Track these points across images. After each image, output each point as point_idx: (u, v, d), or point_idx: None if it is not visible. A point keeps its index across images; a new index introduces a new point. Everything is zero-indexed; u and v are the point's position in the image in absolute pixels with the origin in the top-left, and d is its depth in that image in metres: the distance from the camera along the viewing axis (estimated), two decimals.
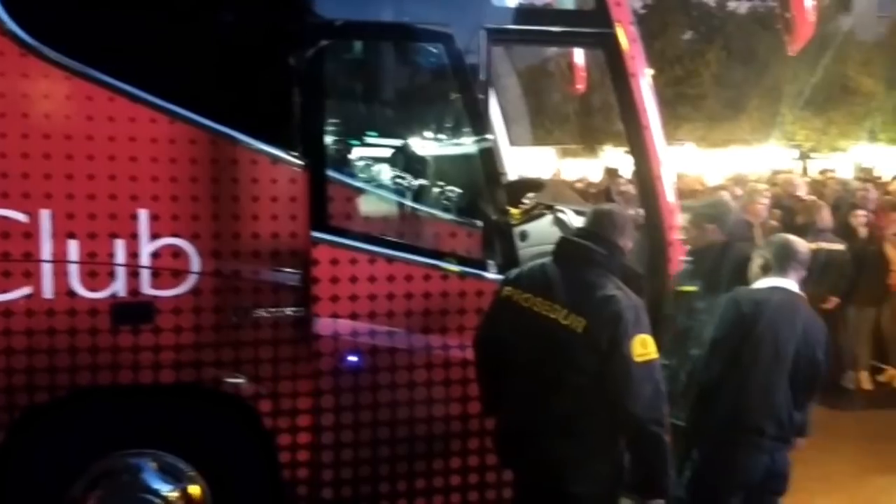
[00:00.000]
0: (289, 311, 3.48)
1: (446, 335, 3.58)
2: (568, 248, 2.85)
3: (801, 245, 3.36)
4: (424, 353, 3.56)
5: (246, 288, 3.45)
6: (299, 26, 3.45)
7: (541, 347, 2.72)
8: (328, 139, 3.61)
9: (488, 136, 3.76)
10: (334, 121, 3.67)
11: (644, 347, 2.59)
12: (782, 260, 3.28)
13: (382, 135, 3.98)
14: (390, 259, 3.53)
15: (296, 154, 3.46)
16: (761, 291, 3.29)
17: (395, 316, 3.53)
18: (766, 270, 3.31)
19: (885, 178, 14.74)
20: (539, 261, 2.88)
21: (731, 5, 24.66)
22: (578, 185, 10.68)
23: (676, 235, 3.81)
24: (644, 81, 3.81)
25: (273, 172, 3.46)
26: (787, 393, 3.17)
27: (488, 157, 3.75)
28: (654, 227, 3.80)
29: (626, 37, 3.78)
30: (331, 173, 3.53)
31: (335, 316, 3.47)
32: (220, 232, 3.43)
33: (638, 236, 3.98)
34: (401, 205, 3.81)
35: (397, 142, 3.96)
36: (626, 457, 2.76)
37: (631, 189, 7.57)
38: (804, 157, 24.06)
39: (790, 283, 3.27)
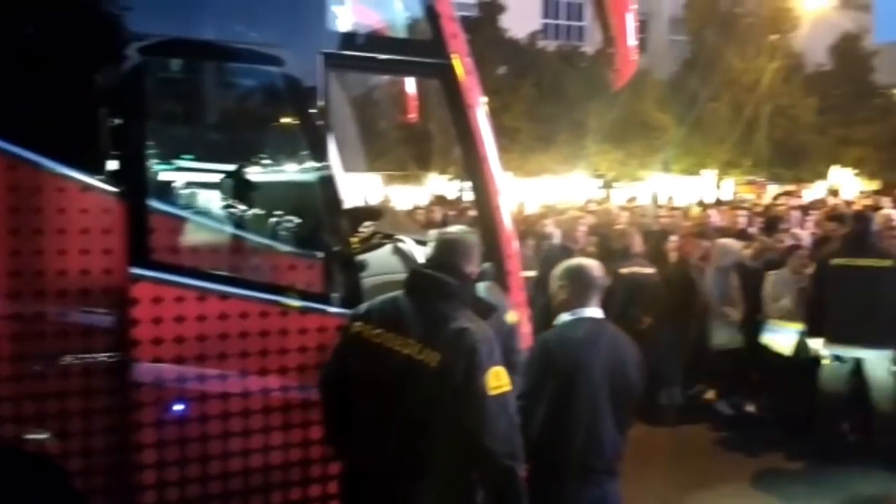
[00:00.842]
0: (102, 356, 3.10)
1: (286, 376, 3.35)
2: (419, 280, 2.74)
3: (595, 269, 3.26)
4: (262, 396, 3.30)
5: (51, 332, 3.03)
6: (111, 41, 3.12)
7: (393, 384, 2.58)
8: (151, 165, 3.28)
9: (326, 163, 3.61)
10: (157, 145, 3.34)
11: (498, 380, 2.53)
12: (582, 288, 3.19)
13: (213, 161, 3.70)
14: (223, 295, 3.25)
15: (110, 181, 3.10)
16: (566, 328, 3.21)
17: (228, 358, 3.25)
18: (568, 301, 3.21)
19: (680, 205, 16.11)
20: (390, 294, 2.75)
21: (541, 44, 26.19)
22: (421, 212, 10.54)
23: (516, 264, 3.83)
24: (481, 112, 3.84)
25: (83, 201, 3.07)
26: (612, 424, 3.11)
27: (326, 183, 3.60)
28: (493, 257, 3.80)
29: (462, 68, 3.79)
30: (153, 202, 3.21)
31: (158, 360, 3.13)
32: (19, 269, 2.98)
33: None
34: (234, 236, 3.54)
35: (229, 168, 3.68)
36: (480, 494, 2.68)
37: (460, 216, 7.73)
38: (608, 186, 25.93)
39: (593, 311, 3.19)
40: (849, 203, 14.07)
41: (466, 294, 2.69)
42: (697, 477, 5.61)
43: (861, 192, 25.10)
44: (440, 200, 11.31)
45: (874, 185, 30.41)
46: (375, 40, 4.06)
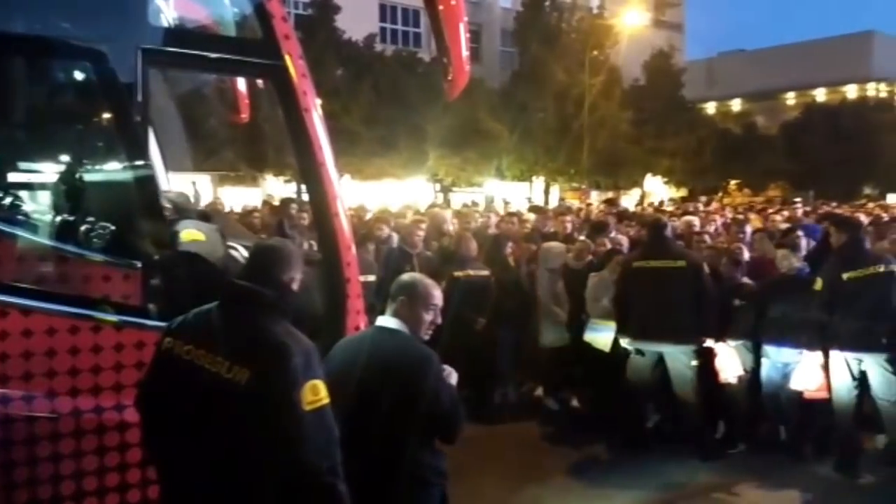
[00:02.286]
0: None
1: (100, 396, 3.10)
2: (233, 291, 2.57)
3: (430, 286, 3.12)
4: (72, 419, 3.03)
5: None
6: None
7: (203, 405, 2.41)
8: None
9: (145, 163, 3.39)
10: None
11: (315, 394, 2.39)
12: (393, 298, 3.08)
13: (22, 162, 3.36)
14: (25, 310, 2.95)
15: None
16: (356, 337, 3.15)
17: (33, 378, 2.96)
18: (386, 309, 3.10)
19: (515, 210, 16.68)
20: (206, 306, 2.58)
21: (378, 47, 26.29)
22: (257, 215, 10.10)
23: (354, 271, 3.78)
24: (317, 116, 3.76)
25: None
26: (417, 438, 2.91)
27: (146, 186, 3.37)
28: (331, 263, 3.74)
29: (296, 71, 3.69)
30: None
31: None
32: None
33: (315, 273, 3.91)
34: (39, 244, 3.22)
35: (39, 170, 3.36)
36: None
37: (305, 221, 7.55)
38: (446, 191, 26.47)
39: (386, 320, 3.06)
40: (658, 208, 15.25)
41: (283, 304, 2.55)
42: (527, 472, 5.83)
43: (671, 199, 27.34)
44: (285, 204, 10.96)
45: (682, 192, 33.29)
46: (201, 38, 3.88)
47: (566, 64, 26.75)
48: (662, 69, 31.72)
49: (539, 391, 7.70)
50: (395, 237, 7.64)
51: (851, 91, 46.52)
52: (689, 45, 47.87)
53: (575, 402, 7.50)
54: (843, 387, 5.72)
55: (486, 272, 7.37)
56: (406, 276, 3.20)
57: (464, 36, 4.17)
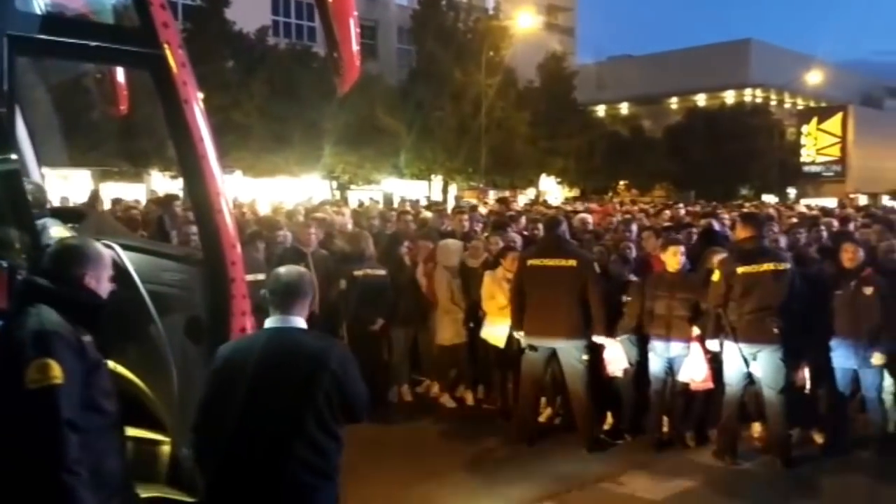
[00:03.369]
0: None
1: None
2: (27, 287, 2.70)
3: (290, 275, 3.06)
4: None
5: None
6: None
7: None
8: None
9: (11, 157, 3.15)
10: None
11: (41, 373, 2.39)
12: (283, 296, 2.99)
13: None
14: None
15: None
16: (249, 337, 3.09)
17: None
18: (272, 308, 3.01)
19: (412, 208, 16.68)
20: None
21: (271, 41, 25.71)
22: (135, 212, 9.57)
23: (239, 271, 3.65)
24: (198, 108, 3.60)
25: None
26: (313, 431, 2.83)
27: (11, 181, 3.13)
28: (214, 262, 3.60)
29: (175, 60, 3.53)
30: None
31: None
32: None
33: (197, 273, 3.76)
34: None
35: None
36: None
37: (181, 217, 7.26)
38: (343, 188, 26.20)
39: (293, 320, 2.98)
40: (550, 206, 15.61)
41: (64, 296, 2.62)
42: (420, 470, 5.83)
43: (566, 199, 28.12)
44: (169, 199, 10.54)
45: (574, 192, 34.32)
46: (74, 25, 3.65)
47: (463, 64, 27.01)
48: (555, 72, 32.58)
49: (435, 389, 7.71)
50: (289, 236, 7.47)
51: (730, 96, 49.33)
52: (580, 50, 49.34)
53: (471, 400, 7.56)
54: (734, 377, 6.00)
55: (382, 271, 7.32)
56: (291, 271, 3.10)
57: (354, 31, 4.09)
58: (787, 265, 6.00)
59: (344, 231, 8.59)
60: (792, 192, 44.01)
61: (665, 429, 6.43)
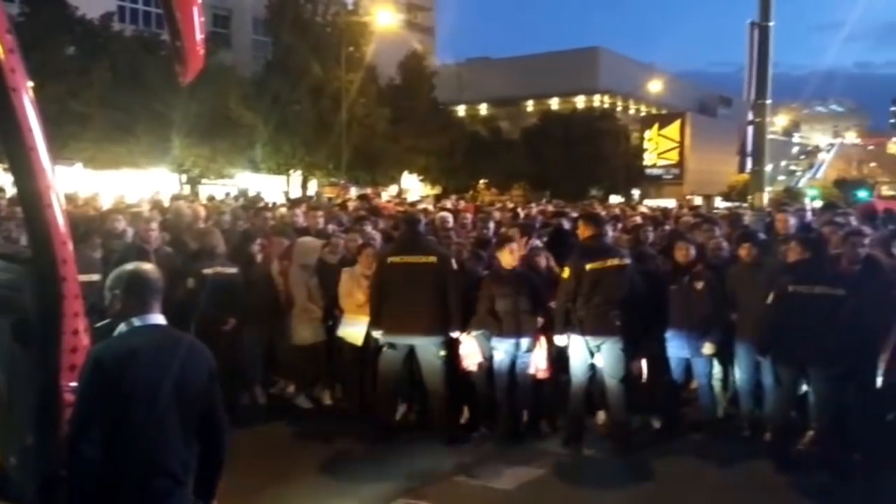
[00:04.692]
0: None
1: None
2: None
3: (153, 272, 3.07)
4: None
5: None
6: None
7: None
8: None
9: None
10: None
11: None
12: (141, 294, 2.96)
13: None
14: None
15: None
16: (123, 339, 2.94)
17: None
18: (125, 310, 2.96)
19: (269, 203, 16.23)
20: None
21: (117, 26, 24.26)
22: None
23: (71, 269, 3.40)
24: (27, 97, 3.31)
25: None
26: (180, 436, 2.89)
27: None
28: (43, 261, 3.32)
29: (3, 46, 3.23)
30: None
31: None
32: None
33: (26, 271, 3.47)
34: None
35: None
36: None
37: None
38: (194, 182, 25.10)
39: (156, 318, 2.99)
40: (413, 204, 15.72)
41: None
42: (275, 473, 5.70)
43: (427, 196, 28.38)
44: None
45: (436, 190, 34.74)
46: None
47: (322, 58, 26.63)
48: (416, 70, 32.84)
49: (290, 390, 7.55)
50: (130, 232, 7.06)
51: (581, 101, 51.76)
52: (439, 50, 50.01)
53: (328, 399, 7.47)
54: (580, 369, 6.28)
55: (234, 269, 7.08)
56: (147, 267, 3.10)
57: (198, 18, 3.92)
58: (628, 261, 6.37)
59: (192, 227, 8.22)
60: (636, 192, 46.79)
61: (524, 420, 6.63)
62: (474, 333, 6.49)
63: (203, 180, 25.36)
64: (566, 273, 6.27)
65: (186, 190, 23.00)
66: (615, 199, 37.52)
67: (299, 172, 28.31)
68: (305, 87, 26.27)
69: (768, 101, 9.53)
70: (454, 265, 6.57)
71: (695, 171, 52.43)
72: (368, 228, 8.25)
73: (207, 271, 6.82)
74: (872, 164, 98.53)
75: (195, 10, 3.75)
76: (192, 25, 3.76)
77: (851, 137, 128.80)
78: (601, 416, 6.72)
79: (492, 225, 8.49)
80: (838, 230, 6.47)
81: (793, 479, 5.67)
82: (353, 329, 6.92)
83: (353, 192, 24.75)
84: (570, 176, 38.00)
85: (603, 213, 12.31)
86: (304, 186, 28.66)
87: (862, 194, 19.36)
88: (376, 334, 6.51)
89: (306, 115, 26.27)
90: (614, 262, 6.29)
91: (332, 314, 7.25)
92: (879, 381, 5.76)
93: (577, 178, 38.35)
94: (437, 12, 49.88)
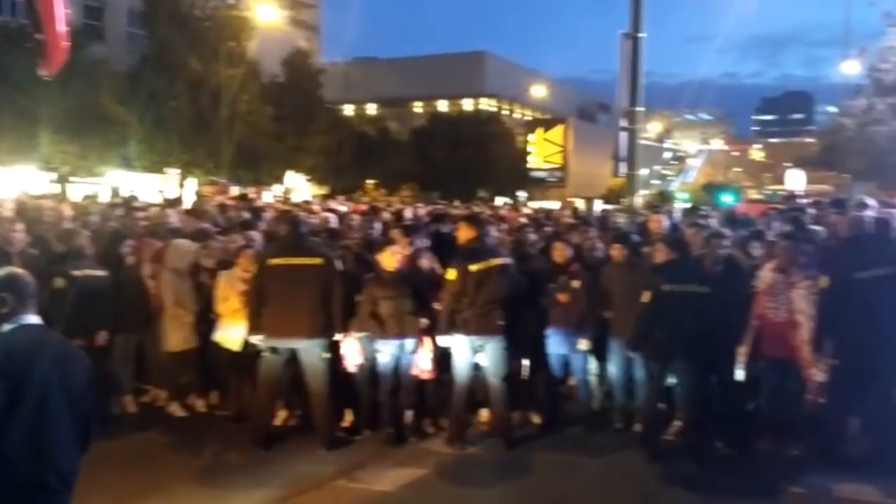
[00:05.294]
0: None
1: None
2: None
3: (27, 275, 3.22)
4: None
5: None
6: None
7: None
8: None
9: None
10: None
11: None
12: (18, 296, 3.09)
13: None
14: None
15: None
16: (8, 337, 3.03)
17: None
18: (11, 310, 3.07)
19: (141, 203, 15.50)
20: None
21: None
22: None
23: None
24: None
25: None
26: (68, 437, 3.02)
27: None
28: None
29: None
30: None
31: None
32: None
33: None
34: None
35: None
36: None
37: None
38: (63, 180, 23.65)
39: (34, 318, 3.12)
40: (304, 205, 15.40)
41: None
42: (147, 485, 5.46)
43: (315, 196, 27.97)
44: None
45: (324, 190, 34.31)
46: None
47: (200, 53, 25.69)
48: (301, 68, 32.30)
49: (162, 398, 7.23)
50: None
51: (468, 104, 52.51)
52: (326, 48, 49.43)
53: (202, 407, 7.21)
54: (463, 368, 6.34)
55: (102, 272, 6.72)
56: (17, 271, 3.25)
57: (61, 9, 3.73)
58: (508, 261, 6.51)
59: (57, 228, 7.74)
60: (522, 194, 47.94)
61: (408, 421, 6.63)
62: (356, 336, 6.45)
63: (72, 179, 23.94)
64: (452, 275, 6.31)
65: (56, 189, 21.64)
66: (502, 200, 38.27)
67: (177, 171, 27.21)
68: (183, 83, 25.27)
69: (640, 109, 9.99)
70: (339, 267, 6.50)
71: (577, 174, 54.22)
72: (251, 231, 8.03)
73: (76, 273, 6.45)
74: (737, 169, 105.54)
75: (57, 1, 3.56)
76: (54, 17, 3.58)
77: (718, 144, 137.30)
78: (484, 413, 6.82)
79: (377, 226, 8.44)
80: (701, 232, 6.83)
81: (661, 467, 5.94)
82: (231, 334, 6.73)
83: (235, 191, 24.04)
84: (459, 177, 38.47)
85: (489, 213, 12.58)
86: (181, 185, 27.57)
87: (727, 198, 20.62)
88: (256, 339, 6.34)
89: (184, 111, 25.28)
90: (497, 262, 6.40)
91: (206, 319, 7.02)
92: (739, 373, 6.19)
93: (465, 179, 38.86)
94: (323, 10, 49.26)
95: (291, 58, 32.51)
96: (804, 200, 13.26)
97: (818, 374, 5.82)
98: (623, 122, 10.10)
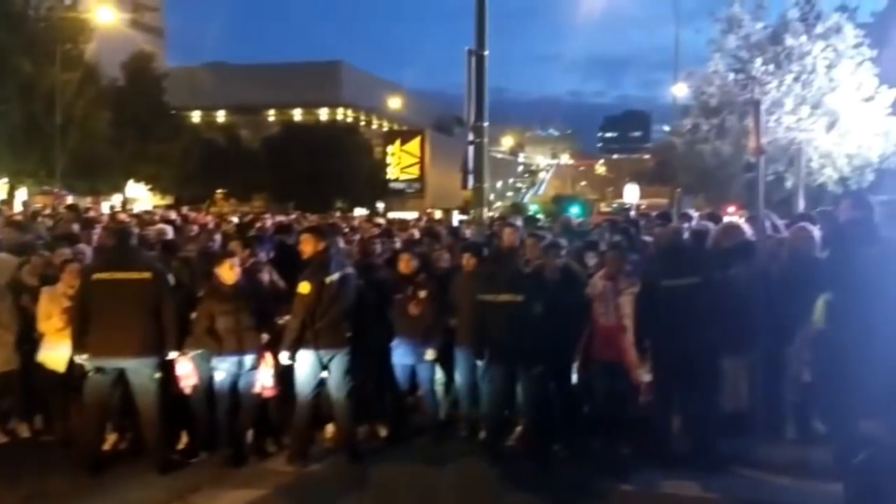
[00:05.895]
0: None
1: None
2: None
3: None
4: None
5: None
6: None
7: None
8: None
9: None
10: None
11: None
12: None
13: None
14: None
15: None
16: None
17: None
18: None
19: None
20: None
21: None
22: None
23: None
24: None
25: None
26: None
27: None
28: None
29: None
30: None
31: None
32: None
33: None
34: None
35: None
36: None
37: None
38: None
39: None
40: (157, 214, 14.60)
41: None
42: None
43: (157, 206, 26.66)
44: None
45: (167, 200, 32.82)
46: None
47: (33, 55, 23.96)
48: (143, 72, 30.80)
49: None
50: None
51: (324, 114, 52.03)
52: (173, 52, 47.42)
53: (25, 432, 6.67)
54: (307, 383, 6.22)
55: None
56: None
57: None
58: (350, 271, 6.45)
59: None
60: (381, 205, 48.05)
61: (248, 440, 6.41)
62: (191, 354, 6.18)
63: None
64: (306, 288, 6.17)
65: None
66: (360, 211, 38.13)
67: (5, 180, 25.14)
68: (13, 86, 23.43)
69: (486, 124, 10.27)
70: (171, 281, 6.21)
71: (435, 185, 55.06)
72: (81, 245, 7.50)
73: None
74: (583, 183, 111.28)
75: None
76: None
77: (566, 159, 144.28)
78: (329, 429, 6.72)
79: (218, 238, 8.13)
80: (539, 242, 7.09)
81: (502, 471, 6.10)
82: (55, 354, 6.29)
83: (70, 201, 22.51)
84: (315, 188, 37.95)
85: (344, 225, 12.47)
86: (10, 195, 25.47)
87: (574, 210, 21.67)
88: (81, 359, 5.94)
89: (13, 116, 23.42)
90: (344, 274, 6.35)
91: (28, 338, 6.51)
92: (574, 377, 6.48)
93: (321, 190, 38.39)
94: (167, 13, 47.25)
95: (132, 61, 30.92)
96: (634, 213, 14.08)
97: (644, 376, 6.22)
98: (470, 136, 10.35)
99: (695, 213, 8.33)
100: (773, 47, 19.07)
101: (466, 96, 10.02)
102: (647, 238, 8.18)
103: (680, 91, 25.07)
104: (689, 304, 5.86)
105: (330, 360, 6.22)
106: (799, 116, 18.41)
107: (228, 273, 6.22)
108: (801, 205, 16.52)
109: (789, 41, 18.66)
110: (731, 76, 19.39)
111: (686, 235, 6.44)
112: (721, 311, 5.82)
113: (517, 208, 45.97)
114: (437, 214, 37.89)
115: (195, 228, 10.37)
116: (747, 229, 6.63)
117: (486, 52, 10.04)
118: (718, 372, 6.02)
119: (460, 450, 6.58)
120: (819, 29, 18.58)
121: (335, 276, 6.24)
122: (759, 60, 18.80)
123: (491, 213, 14.61)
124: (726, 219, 8.73)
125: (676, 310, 5.87)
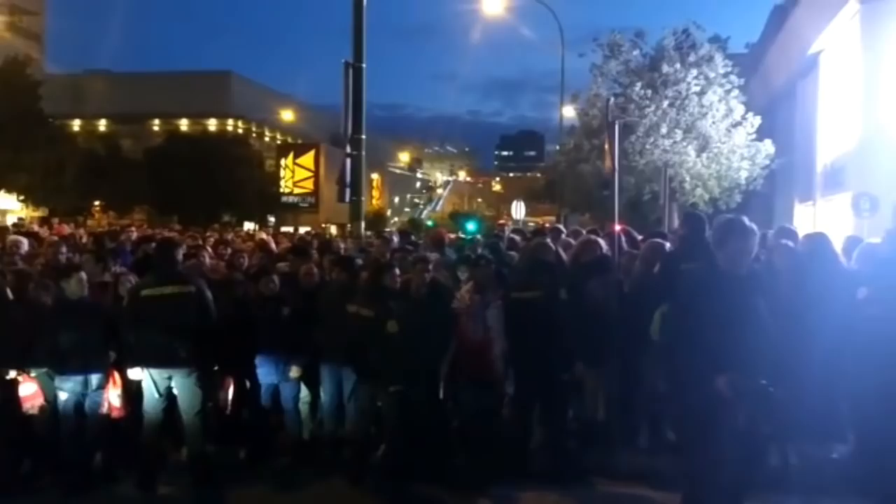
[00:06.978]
0: None
1: None
2: None
3: None
4: None
5: None
6: None
7: None
8: None
9: None
10: None
11: None
12: None
13: None
14: None
15: None
16: None
17: None
18: None
19: None
20: None
21: None
22: None
23: None
24: None
25: None
26: None
27: None
28: None
29: None
30: None
31: None
32: None
33: None
34: None
35: None
36: None
37: None
38: None
39: None
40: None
41: None
42: None
43: (31, 218, 25.09)
44: None
45: (41, 212, 30.97)
46: None
47: None
48: (16, 78, 29.05)
49: None
50: None
51: (213, 124, 50.59)
52: (52, 58, 45.03)
53: None
54: (151, 403, 5.92)
55: None
56: None
57: None
58: (193, 288, 6.15)
59: None
60: (272, 219, 47.02)
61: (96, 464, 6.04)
62: (34, 373, 5.77)
63: None
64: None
65: None
66: (249, 225, 37.20)
67: None
68: None
69: (363, 136, 10.21)
70: (9, 296, 5.79)
71: (330, 200, 54.17)
72: None
73: None
74: (479, 200, 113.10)
75: None
76: None
77: (463, 175, 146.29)
78: (186, 451, 6.41)
79: (64, 249, 7.67)
80: (386, 244, 7.07)
81: (363, 490, 5.99)
82: None
83: None
84: (201, 200, 36.70)
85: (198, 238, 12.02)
86: None
87: (471, 226, 21.87)
88: None
89: None
90: (184, 288, 6.07)
91: None
92: (441, 392, 6.44)
93: (208, 202, 37.17)
94: (48, 18, 44.85)
95: (5, 66, 29.11)
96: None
97: (509, 388, 6.26)
98: (348, 149, 10.25)
99: (564, 230, 8.53)
100: (651, 73, 20.02)
101: (343, 108, 9.94)
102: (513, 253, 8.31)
103: (569, 112, 25.90)
104: (535, 316, 5.97)
105: (170, 378, 5.94)
106: (673, 140, 19.36)
107: (75, 287, 5.88)
108: (675, 223, 17.31)
109: (665, 68, 19.64)
110: (612, 100, 20.24)
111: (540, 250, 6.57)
112: (571, 323, 5.95)
113: (415, 224, 46.14)
114: (333, 230, 37.43)
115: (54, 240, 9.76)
116: (604, 245, 6.83)
117: (364, 65, 10.01)
118: (573, 384, 6.14)
119: (322, 470, 6.40)
120: (692, 58, 19.65)
121: (158, 290, 5.94)
122: (638, 85, 19.68)
123: (389, 229, 14.56)
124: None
125: (524, 322, 5.97)
